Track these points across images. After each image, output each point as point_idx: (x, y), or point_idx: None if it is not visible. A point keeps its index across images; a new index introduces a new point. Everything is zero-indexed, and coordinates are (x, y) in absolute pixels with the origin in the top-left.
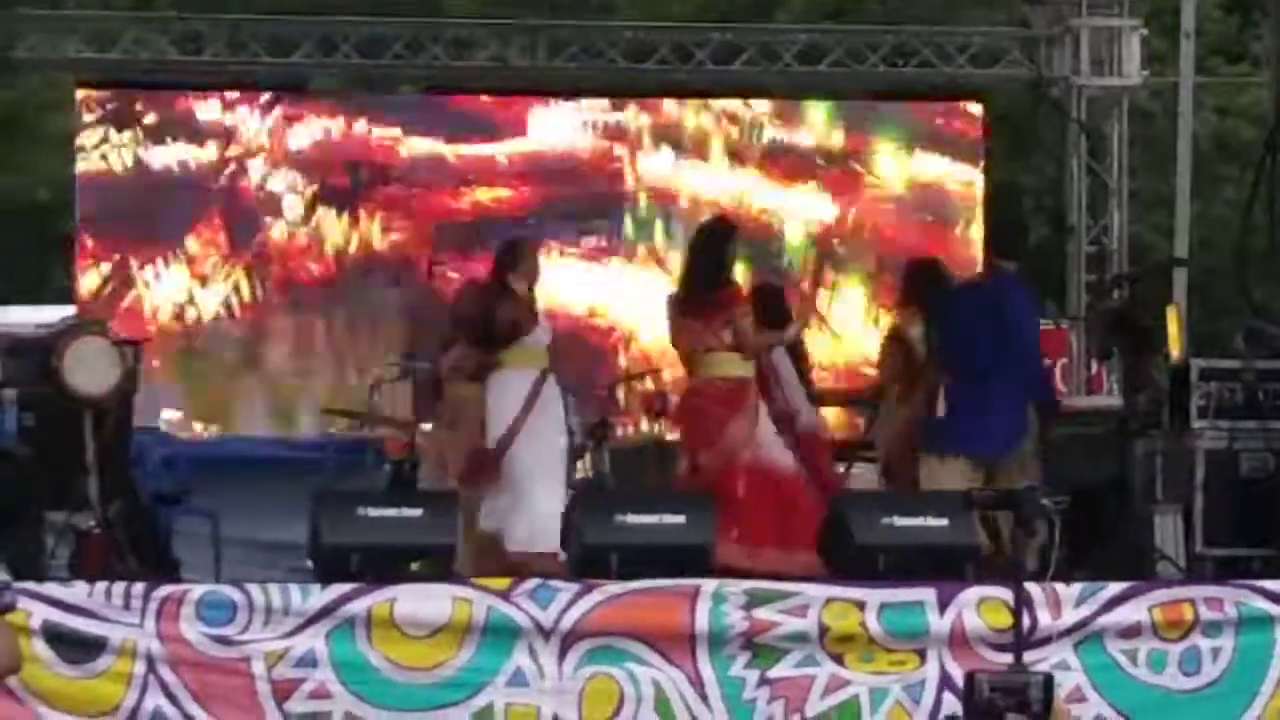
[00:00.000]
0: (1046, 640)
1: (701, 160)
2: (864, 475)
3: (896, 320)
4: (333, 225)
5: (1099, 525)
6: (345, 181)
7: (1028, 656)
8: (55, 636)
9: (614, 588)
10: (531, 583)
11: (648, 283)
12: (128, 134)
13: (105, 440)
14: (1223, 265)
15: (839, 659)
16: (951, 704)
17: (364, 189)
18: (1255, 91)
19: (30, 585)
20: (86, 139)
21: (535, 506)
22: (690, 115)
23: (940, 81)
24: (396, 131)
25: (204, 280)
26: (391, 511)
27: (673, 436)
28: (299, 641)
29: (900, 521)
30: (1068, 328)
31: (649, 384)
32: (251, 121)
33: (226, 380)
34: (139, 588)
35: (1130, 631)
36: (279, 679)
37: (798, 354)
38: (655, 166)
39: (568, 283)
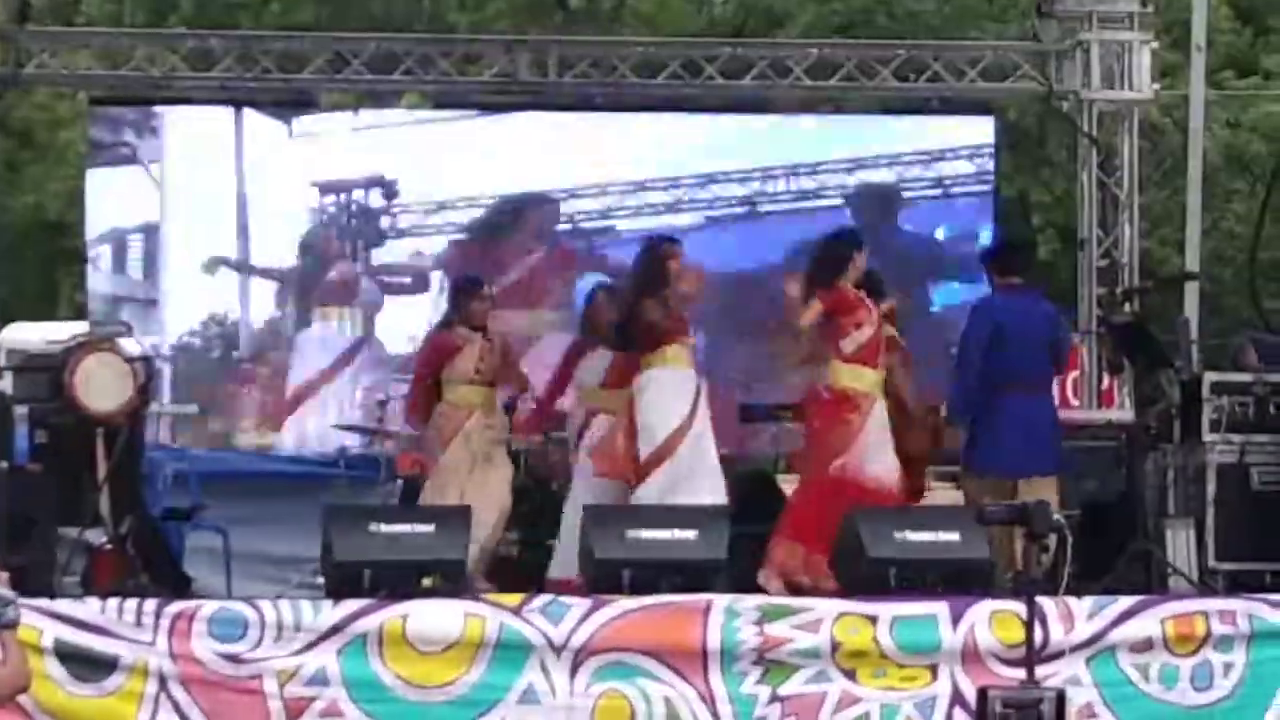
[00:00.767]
0: (1059, 655)
1: None
2: None
3: None
4: None
5: (1110, 539)
6: None
7: (1039, 671)
8: (67, 655)
9: (626, 603)
10: (543, 598)
11: None
12: None
13: (117, 456)
14: (1234, 278)
15: (851, 675)
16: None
17: None
18: (1267, 105)
19: (42, 602)
20: None
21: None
22: None
23: (950, 95)
24: None
25: None
26: (404, 527)
27: None
28: (310, 659)
29: (912, 536)
30: (1079, 341)
31: None
32: None
33: None
34: (151, 604)
35: (1142, 646)
36: (290, 697)
37: None
38: None
39: None
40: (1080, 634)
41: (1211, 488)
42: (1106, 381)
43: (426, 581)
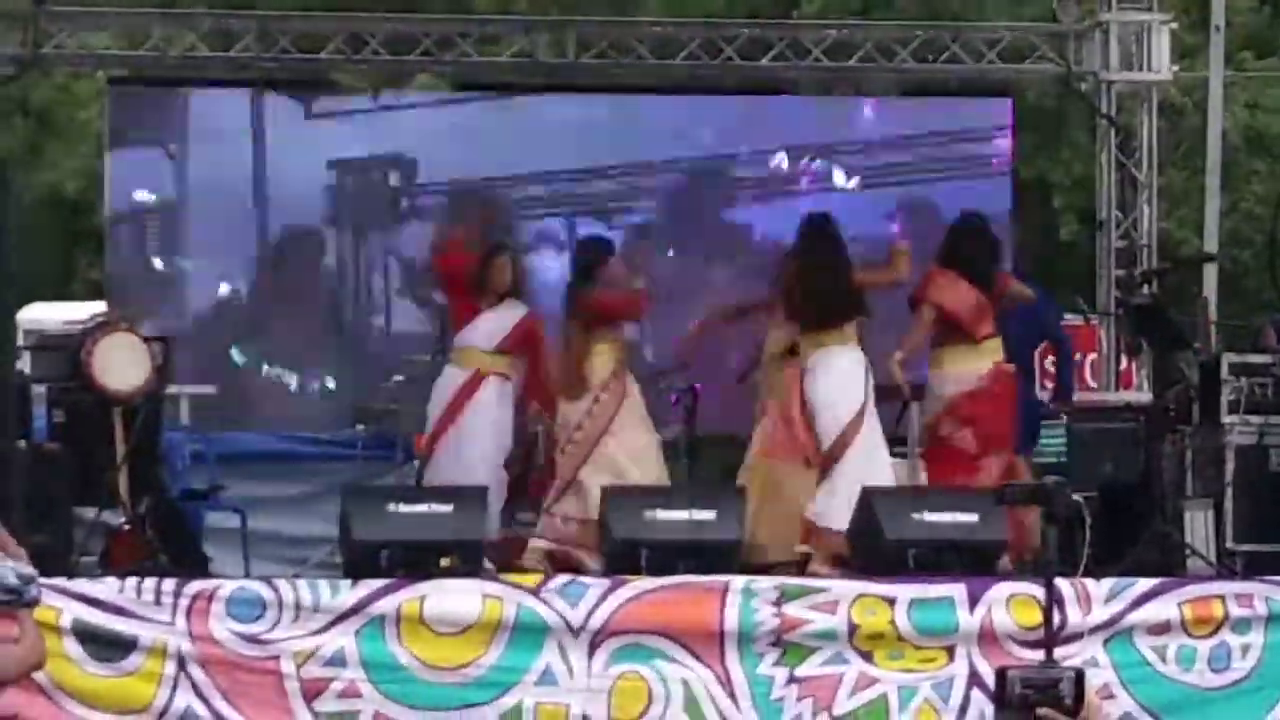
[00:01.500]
0: (1076, 637)
1: None
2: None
3: None
4: None
5: (1129, 521)
6: None
7: (1057, 653)
8: (86, 635)
9: (643, 584)
10: (561, 579)
11: None
12: None
13: (135, 437)
14: (1253, 259)
15: (868, 656)
16: (980, 701)
17: None
18: None
19: (61, 581)
20: None
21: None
22: None
23: (969, 77)
24: None
25: None
26: (421, 507)
27: None
28: (328, 640)
29: (930, 517)
30: (1097, 323)
31: None
32: None
33: None
34: (169, 584)
35: (1160, 628)
36: (308, 678)
37: None
38: None
39: None
40: (1098, 616)
41: (1230, 469)
42: (1125, 363)
43: (444, 561)
